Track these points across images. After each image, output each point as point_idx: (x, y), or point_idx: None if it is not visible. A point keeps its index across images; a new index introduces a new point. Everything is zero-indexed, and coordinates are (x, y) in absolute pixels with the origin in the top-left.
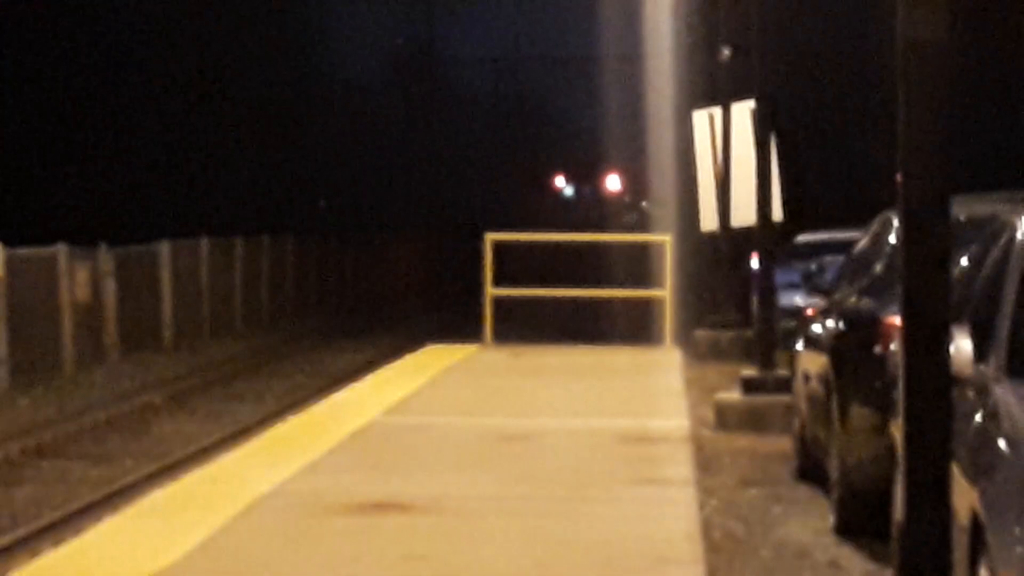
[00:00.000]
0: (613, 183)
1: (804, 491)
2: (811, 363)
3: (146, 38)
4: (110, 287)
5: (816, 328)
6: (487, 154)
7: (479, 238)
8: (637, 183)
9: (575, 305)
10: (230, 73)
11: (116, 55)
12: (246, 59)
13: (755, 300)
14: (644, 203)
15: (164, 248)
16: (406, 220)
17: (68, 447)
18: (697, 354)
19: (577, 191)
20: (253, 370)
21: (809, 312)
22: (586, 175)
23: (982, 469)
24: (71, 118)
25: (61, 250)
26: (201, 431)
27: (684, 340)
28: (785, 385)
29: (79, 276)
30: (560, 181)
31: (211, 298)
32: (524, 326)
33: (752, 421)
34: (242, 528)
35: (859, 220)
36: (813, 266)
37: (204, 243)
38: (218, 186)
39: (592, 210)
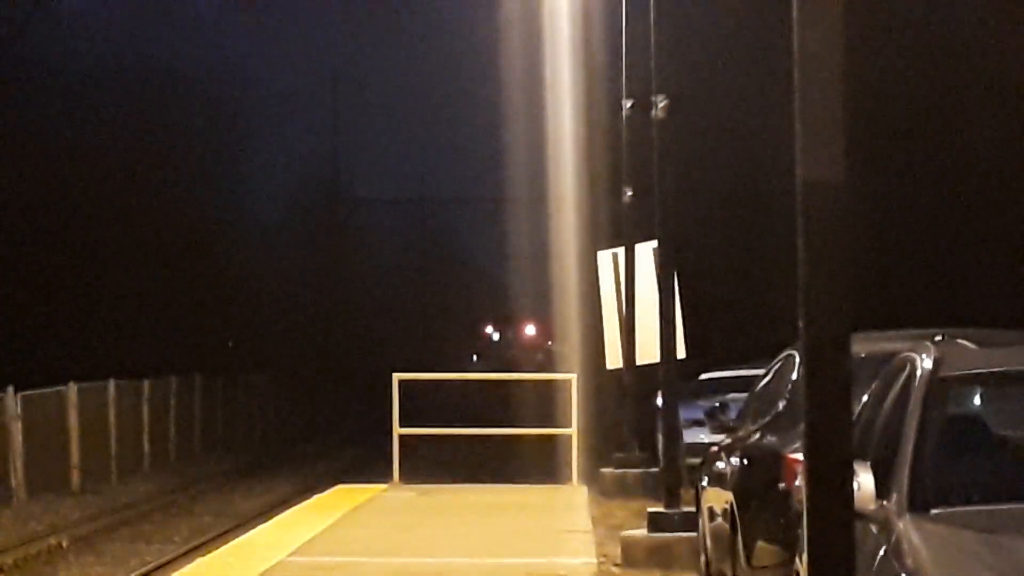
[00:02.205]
0: (529, 330)
1: None
2: (716, 499)
3: (51, 183)
4: (17, 429)
5: (720, 465)
6: (398, 293)
7: (390, 377)
8: (549, 326)
9: (485, 442)
10: (136, 213)
11: (20, 197)
12: (152, 199)
13: (660, 437)
14: (550, 342)
15: (71, 391)
16: (317, 359)
17: None
18: (604, 491)
19: (502, 336)
20: (161, 511)
21: (713, 449)
22: (508, 323)
23: None
24: None
25: None
26: (108, 574)
27: (591, 478)
28: (691, 521)
29: None
30: (489, 328)
31: (119, 439)
32: (434, 463)
33: (659, 558)
34: None
35: (761, 358)
36: (717, 403)
37: (111, 385)
38: (125, 328)
39: (513, 350)
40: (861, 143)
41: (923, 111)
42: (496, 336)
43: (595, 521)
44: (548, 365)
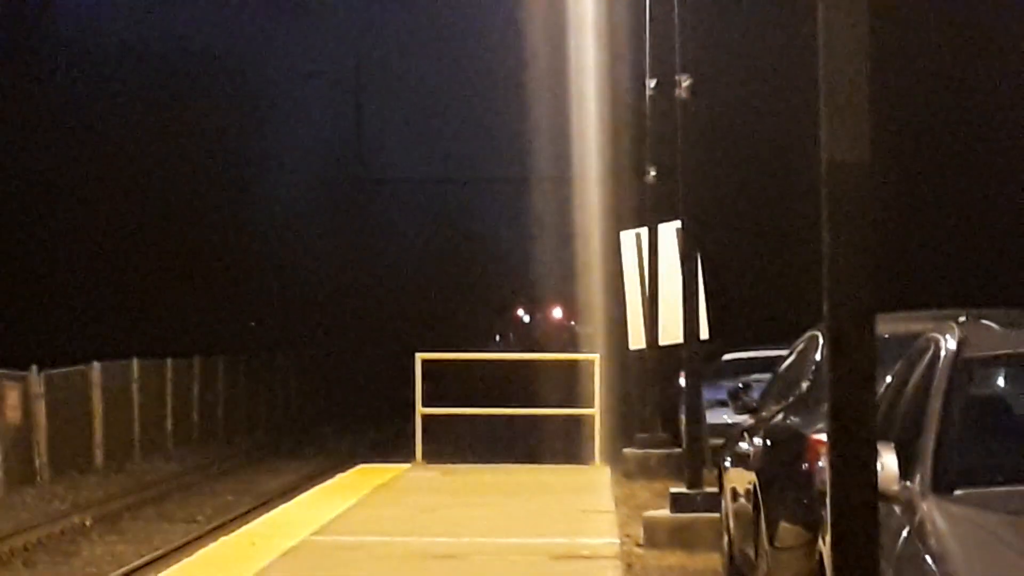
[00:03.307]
0: (557, 312)
1: None
2: (739, 480)
3: (75, 162)
4: (41, 409)
5: (743, 445)
6: (421, 273)
7: (413, 356)
8: (575, 307)
9: (508, 422)
10: (160, 193)
11: (45, 177)
12: (176, 181)
13: (683, 418)
14: (573, 322)
15: (95, 370)
16: (341, 339)
17: None
18: (626, 472)
19: (532, 318)
20: (184, 490)
21: (737, 429)
22: (537, 307)
23: None
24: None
25: None
26: (131, 552)
27: (613, 458)
28: (714, 502)
29: (10, 398)
30: (521, 312)
31: (142, 419)
32: (457, 443)
33: (681, 538)
34: None
35: (785, 338)
36: (740, 384)
37: (135, 364)
38: (149, 307)
39: (541, 331)
40: (887, 122)
41: (950, 90)
42: (527, 318)
43: (618, 501)
44: (572, 345)
